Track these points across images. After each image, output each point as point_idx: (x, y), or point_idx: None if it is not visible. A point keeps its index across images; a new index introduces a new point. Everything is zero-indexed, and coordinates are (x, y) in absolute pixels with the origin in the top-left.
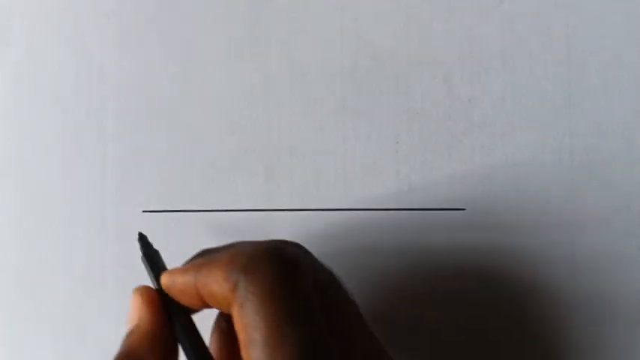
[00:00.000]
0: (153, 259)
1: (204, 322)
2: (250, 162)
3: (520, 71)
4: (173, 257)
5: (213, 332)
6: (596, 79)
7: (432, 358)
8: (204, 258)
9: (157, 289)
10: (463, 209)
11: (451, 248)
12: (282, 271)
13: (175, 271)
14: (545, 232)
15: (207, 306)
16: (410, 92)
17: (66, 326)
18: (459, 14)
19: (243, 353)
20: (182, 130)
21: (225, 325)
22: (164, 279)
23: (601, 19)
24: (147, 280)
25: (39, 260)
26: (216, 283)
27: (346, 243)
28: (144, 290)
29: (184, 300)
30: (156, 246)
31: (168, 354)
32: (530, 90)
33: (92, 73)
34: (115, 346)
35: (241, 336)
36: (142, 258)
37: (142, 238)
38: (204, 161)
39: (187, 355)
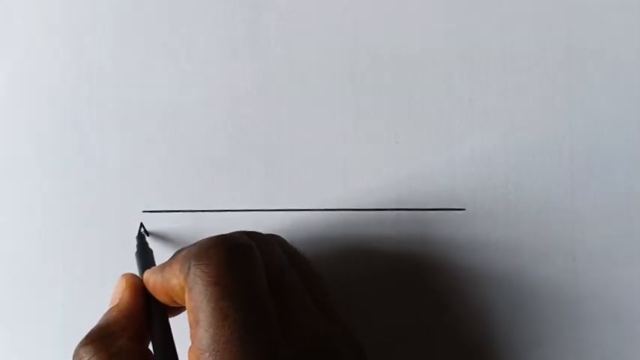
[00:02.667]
0: (145, 257)
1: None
2: (250, 162)
3: (520, 71)
4: None
5: None
6: (596, 79)
7: (431, 358)
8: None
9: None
10: (463, 209)
11: (451, 248)
12: (227, 256)
13: (150, 270)
14: (545, 232)
15: (179, 304)
16: (410, 92)
17: (66, 326)
18: (459, 14)
19: (191, 334)
20: (182, 130)
21: None
22: (144, 276)
23: (601, 19)
24: None
25: (39, 260)
26: (174, 276)
27: (346, 243)
28: (129, 276)
29: (159, 298)
30: (156, 246)
31: (139, 335)
32: (530, 90)
33: (92, 73)
34: None
35: (190, 318)
36: (135, 254)
37: (141, 237)
38: (204, 161)
39: (154, 344)
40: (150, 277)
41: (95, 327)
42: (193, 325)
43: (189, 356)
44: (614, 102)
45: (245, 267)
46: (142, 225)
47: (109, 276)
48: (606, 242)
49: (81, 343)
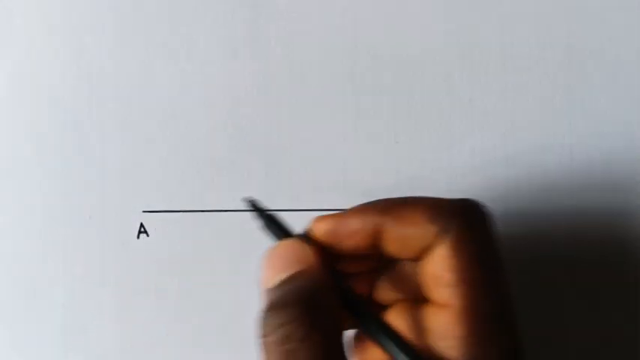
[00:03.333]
0: (276, 222)
1: None
2: (250, 162)
3: (520, 71)
4: (173, 257)
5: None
6: (596, 79)
7: None
8: (387, 201)
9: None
10: None
11: None
12: (486, 221)
13: (338, 215)
14: (546, 232)
15: (370, 250)
16: (410, 92)
17: (66, 326)
18: (459, 14)
19: (441, 291)
20: (182, 130)
21: None
22: (322, 224)
23: (601, 19)
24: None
25: (39, 260)
26: (415, 225)
27: None
28: (301, 240)
29: (348, 243)
30: (156, 245)
31: (335, 305)
32: (530, 90)
33: (92, 73)
34: (114, 345)
35: (446, 275)
36: (264, 225)
37: (255, 206)
38: (204, 161)
39: (356, 315)
40: (351, 220)
41: (290, 292)
42: (450, 283)
43: (460, 317)
44: (614, 102)
45: (495, 235)
46: (141, 225)
47: (109, 276)
48: (606, 242)
49: (276, 304)
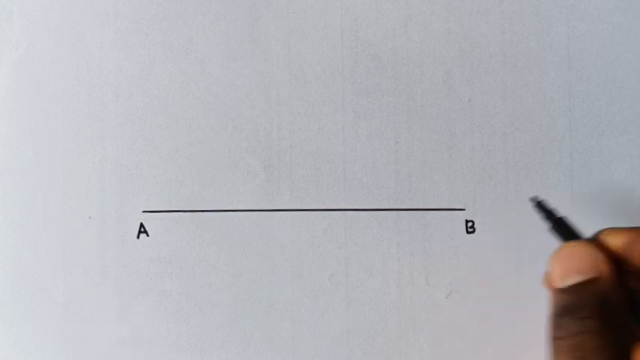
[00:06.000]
0: (564, 224)
1: None
2: (250, 162)
3: (520, 71)
4: (173, 257)
5: None
6: (596, 79)
7: (432, 358)
8: None
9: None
10: (463, 209)
11: (451, 248)
12: None
13: (635, 230)
14: (545, 232)
15: None
16: (410, 92)
17: (66, 326)
18: (459, 14)
19: None
20: (182, 130)
21: None
22: (619, 236)
23: (601, 19)
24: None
25: (39, 260)
26: None
27: (346, 243)
28: (593, 245)
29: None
30: (156, 245)
31: (625, 315)
32: (530, 90)
33: (92, 73)
34: (114, 345)
35: None
36: (552, 228)
37: (542, 207)
38: (204, 161)
39: None
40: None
41: (582, 297)
42: None
43: None
44: (614, 102)
45: None
46: (141, 225)
47: (109, 276)
48: None
49: (572, 309)
